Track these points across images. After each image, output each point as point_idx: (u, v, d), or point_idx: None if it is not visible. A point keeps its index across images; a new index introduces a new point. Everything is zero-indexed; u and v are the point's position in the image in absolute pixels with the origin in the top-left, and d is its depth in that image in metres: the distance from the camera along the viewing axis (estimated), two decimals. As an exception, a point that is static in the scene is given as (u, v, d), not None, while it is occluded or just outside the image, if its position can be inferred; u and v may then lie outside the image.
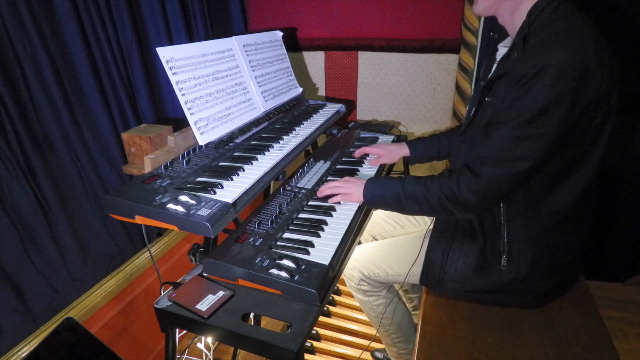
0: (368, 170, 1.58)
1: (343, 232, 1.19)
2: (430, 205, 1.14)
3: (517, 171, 1.01)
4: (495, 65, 1.24)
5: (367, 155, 1.67)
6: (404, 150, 1.62)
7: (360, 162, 1.64)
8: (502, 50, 1.22)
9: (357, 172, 1.56)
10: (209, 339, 1.49)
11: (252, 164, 1.31)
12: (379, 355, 1.77)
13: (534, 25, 1.03)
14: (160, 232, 1.91)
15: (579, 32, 0.96)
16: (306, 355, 1.76)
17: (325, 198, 1.36)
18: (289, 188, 1.41)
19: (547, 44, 0.96)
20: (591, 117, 0.99)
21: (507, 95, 1.02)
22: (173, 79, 1.27)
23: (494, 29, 1.26)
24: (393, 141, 1.84)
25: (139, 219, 1.05)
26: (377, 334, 1.61)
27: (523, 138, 0.98)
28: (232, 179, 1.21)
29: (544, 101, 0.94)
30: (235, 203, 1.10)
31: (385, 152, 1.61)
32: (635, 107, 1.94)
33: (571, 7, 1.03)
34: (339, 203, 1.33)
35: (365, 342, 1.85)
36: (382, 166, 1.62)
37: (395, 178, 1.23)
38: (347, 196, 1.31)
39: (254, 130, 1.56)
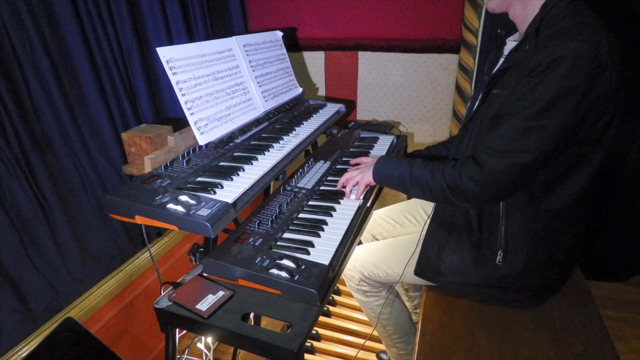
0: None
1: (343, 232, 1.19)
2: (432, 192, 1.15)
3: (520, 163, 1.00)
4: (502, 59, 1.24)
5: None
6: None
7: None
8: (509, 44, 1.24)
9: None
10: (209, 339, 1.49)
11: (252, 164, 1.31)
12: (384, 357, 1.77)
13: (546, 19, 1.04)
14: (160, 232, 1.91)
15: (592, 27, 0.97)
16: (306, 355, 1.76)
17: (326, 198, 1.36)
18: (289, 188, 1.41)
19: (562, 35, 0.96)
20: (599, 114, 0.99)
21: (517, 87, 1.02)
22: (173, 79, 1.27)
23: (502, 25, 1.28)
24: (393, 141, 1.84)
25: (139, 219, 1.06)
26: (377, 334, 1.61)
27: (530, 130, 0.98)
28: (232, 179, 1.21)
29: (555, 92, 0.94)
30: (235, 203, 1.10)
31: None
32: (636, 107, 1.93)
33: (583, 4, 1.04)
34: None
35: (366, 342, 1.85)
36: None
37: (405, 160, 1.23)
38: (363, 179, 1.33)
39: (254, 130, 1.56)
